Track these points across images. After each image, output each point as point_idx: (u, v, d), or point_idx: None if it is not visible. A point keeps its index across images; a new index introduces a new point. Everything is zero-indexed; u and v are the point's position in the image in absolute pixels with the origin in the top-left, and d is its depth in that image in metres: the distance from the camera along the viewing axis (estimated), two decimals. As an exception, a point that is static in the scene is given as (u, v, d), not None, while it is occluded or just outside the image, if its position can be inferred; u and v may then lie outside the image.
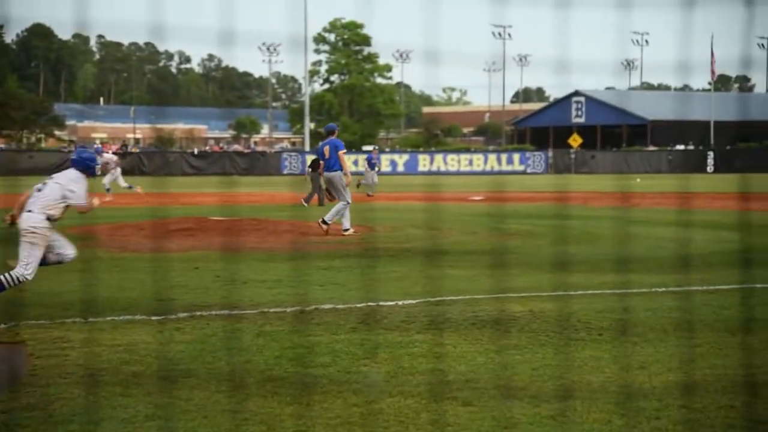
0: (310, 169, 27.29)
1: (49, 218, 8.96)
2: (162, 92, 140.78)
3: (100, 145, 43.30)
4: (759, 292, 10.15)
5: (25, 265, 8.86)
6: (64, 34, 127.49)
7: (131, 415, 5.67)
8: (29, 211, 8.95)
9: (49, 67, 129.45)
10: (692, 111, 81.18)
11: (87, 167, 9.36)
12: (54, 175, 9.32)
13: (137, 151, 67.99)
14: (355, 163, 47.20)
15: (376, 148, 36.76)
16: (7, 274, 8.87)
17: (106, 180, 29.88)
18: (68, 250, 9.25)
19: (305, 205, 25.89)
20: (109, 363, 6.95)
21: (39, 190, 9.11)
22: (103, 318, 8.59)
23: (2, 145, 78.08)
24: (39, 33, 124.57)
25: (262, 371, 6.71)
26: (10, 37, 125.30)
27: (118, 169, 30.27)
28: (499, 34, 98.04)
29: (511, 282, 10.91)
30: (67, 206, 9.13)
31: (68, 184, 9.11)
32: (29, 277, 8.90)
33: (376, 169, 33.34)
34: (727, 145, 72.76)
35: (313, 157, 29.53)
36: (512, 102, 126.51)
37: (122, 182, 30.00)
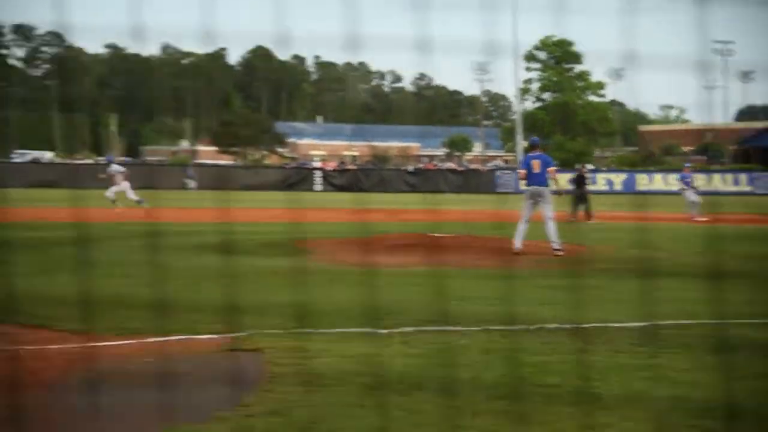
0: (573, 186, 28.87)
1: None
2: (376, 111, 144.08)
3: (111, 155, 43.23)
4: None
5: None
6: (283, 55, 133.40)
7: (368, 423, 5.78)
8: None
9: (269, 88, 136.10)
10: None
11: None
12: None
13: (355, 168, 69.96)
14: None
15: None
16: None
17: (110, 192, 30.04)
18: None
19: (574, 220, 26.96)
20: (332, 370, 7.06)
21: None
22: (330, 329, 8.75)
23: (228, 162, 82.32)
24: (261, 54, 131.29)
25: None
26: (234, 59, 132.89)
27: (127, 182, 30.34)
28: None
29: None
30: None
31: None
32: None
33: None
34: None
35: (572, 174, 30.26)
36: (737, 120, 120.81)
37: (132, 195, 30.07)
